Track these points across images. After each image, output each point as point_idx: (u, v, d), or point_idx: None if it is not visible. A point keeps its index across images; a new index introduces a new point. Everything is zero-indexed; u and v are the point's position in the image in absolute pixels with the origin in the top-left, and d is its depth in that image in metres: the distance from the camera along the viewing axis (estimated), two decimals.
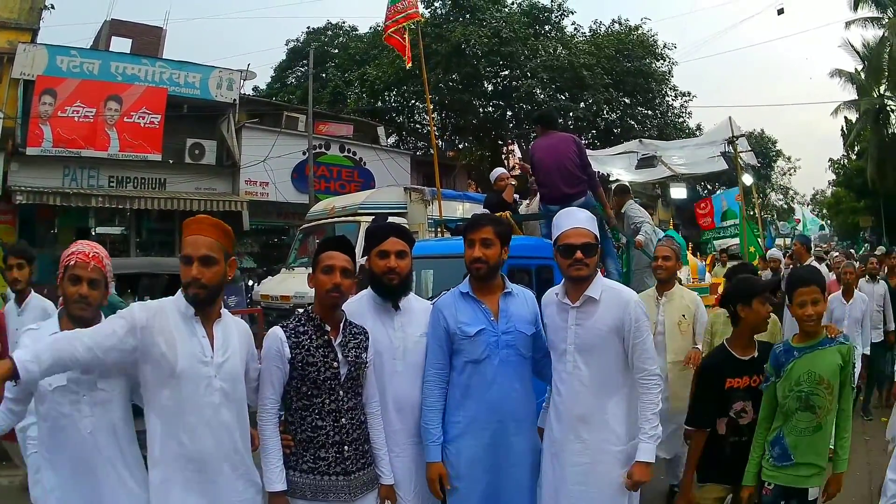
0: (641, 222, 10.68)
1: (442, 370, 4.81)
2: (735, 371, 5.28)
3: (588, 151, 11.16)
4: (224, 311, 4.38)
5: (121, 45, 30.69)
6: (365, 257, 5.03)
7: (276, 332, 4.47)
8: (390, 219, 12.14)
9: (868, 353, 11.51)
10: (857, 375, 10.53)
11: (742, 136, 18.29)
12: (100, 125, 26.16)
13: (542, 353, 5.03)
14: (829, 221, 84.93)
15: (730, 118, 17.39)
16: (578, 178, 9.31)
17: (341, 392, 4.44)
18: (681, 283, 10.46)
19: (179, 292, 4.23)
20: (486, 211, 10.08)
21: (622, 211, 11.15)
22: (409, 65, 13.96)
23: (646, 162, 19.08)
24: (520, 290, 5.09)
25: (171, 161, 28.28)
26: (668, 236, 9.12)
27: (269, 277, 20.42)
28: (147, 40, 31.61)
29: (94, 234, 26.17)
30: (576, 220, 4.88)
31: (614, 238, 10.21)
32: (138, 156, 27.00)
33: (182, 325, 4.11)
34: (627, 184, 13.87)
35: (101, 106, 26.16)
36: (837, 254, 21.04)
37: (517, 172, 12.10)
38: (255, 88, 47.70)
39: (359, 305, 4.90)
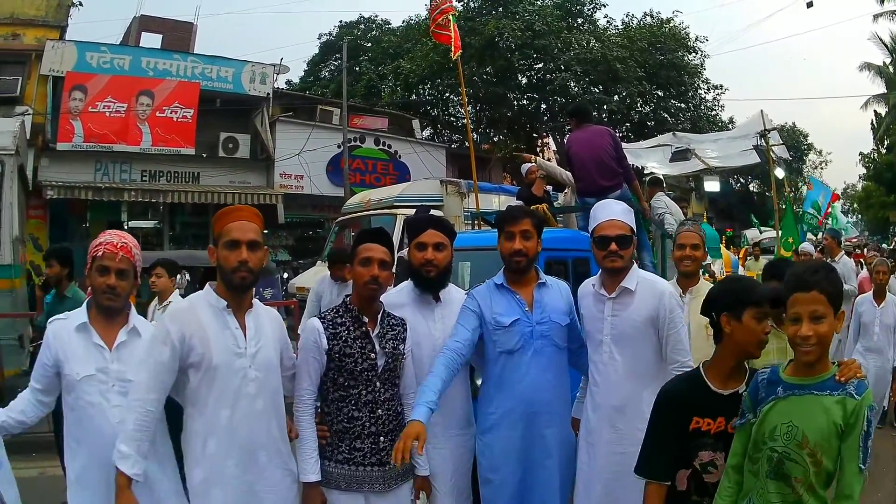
0: (663, 213, 10.51)
1: (455, 351, 4.55)
2: (706, 408, 3.74)
3: (622, 144, 10.75)
4: (255, 301, 4.34)
5: (151, 40, 30.64)
6: (405, 249, 5.12)
7: (314, 323, 4.44)
8: (432, 211, 11.62)
9: None
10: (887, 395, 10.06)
11: (774, 129, 17.85)
12: (131, 120, 26.18)
13: (578, 343, 5.00)
14: (859, 216, 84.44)
15: (761, 111, 16.88)
16: (614, 170, 9.18)
17: (378, 383, 4.40)
18: (714, 278, 9.65)
19: (208, 286, 4.21)
20: (521, 203, 9.90)
21: (650, 203, 10.94)
22: (458, 53, 13.33)
23: (679, 155, 18.70)
24: (554, 281, 5.08)
25: (204, 155, 28.23)
26: (695, 221, 7.67)
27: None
28: (177, 35, 31.60)
29: (126, 227, 26.10)
30: (612, 212, 4.89)
31: (645, 230, 9.85)
32: (171, 150, 27.00)
33: (214, 320, 4.05)
34: (660, 177, 13.67)
35: (132, 101, 26.21)
36: (873, 253, 18.53)
37: (541, 175, 11.27)
38: (289, 82, 48.04)
39: (399, 297, 4.91)
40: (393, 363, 4.46)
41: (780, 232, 17.04)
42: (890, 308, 9.65)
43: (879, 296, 9.79)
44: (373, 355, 4.36)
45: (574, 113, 10.38)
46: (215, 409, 3.97)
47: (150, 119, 26.49)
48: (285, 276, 23.03)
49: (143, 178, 26.82)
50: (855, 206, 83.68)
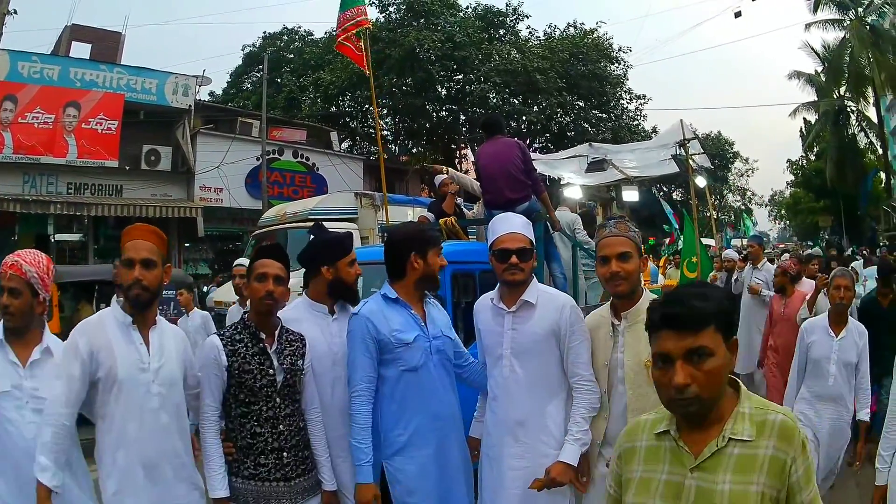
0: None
1: (372, 383, 4.82)
2: None
3: (538, 155, 11.84)
4: (160, 317, 4.59)
5: (81, 50, 31.21)
6: (325, 266, 5.09)
7: (213, 340, 4.65)
8: (325, 224, 12.81)
9: (867, 418, 7.10)
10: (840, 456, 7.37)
11: (694, 138, 18.28)
12: (59, 132, 27.00)
13: (462, 358, 5.22)
14: (787, 222, 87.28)
15: (681, 121, 17.24)
16: (523, 183, 9.31)
17: (278, 399, 4.59)
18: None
19: (114, 302, 4.63)
20: (431, 215, 10.66)
21: None
22: (368, 73, 13.99)
23: (596, 165, 19.23)
24: (430, 295, 5.22)
25: (127, 167, 29.13)
26: (620, 219, 4.94)
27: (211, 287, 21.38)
28: (106, 45, 32.08)
29: (53, 240, 27.41)
30: (512, 225, 4.97)
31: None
32: (95, 162, 27.83)
33: (119, 335, 4.31)
34: (568, 196, 15.02)
35: (59, 112, 27.01)
36: (786, 257, 17.08)
37: (453, 189, 11.16)
38: (212, 94, 48.65)
39: (295, 313, 5.10)
40: (292, 379, 4.67)
41: (686, 249, 16.83)
42: (851, 339, 7.21)
43: (838, 322, 7.29)
44: (271, 371, 4.57)
45: (484, 126, 10.64)
46: (122, 423, 4.20)
47: (76, 131, 27.23)
48: (205, 289, 23.95)
49: (69, 191, 27.47)
50: (783, 212, 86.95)
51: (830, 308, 7.38)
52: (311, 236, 5.37)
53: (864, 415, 7.07)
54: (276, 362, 4.59)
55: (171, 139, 31.46)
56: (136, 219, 25.52)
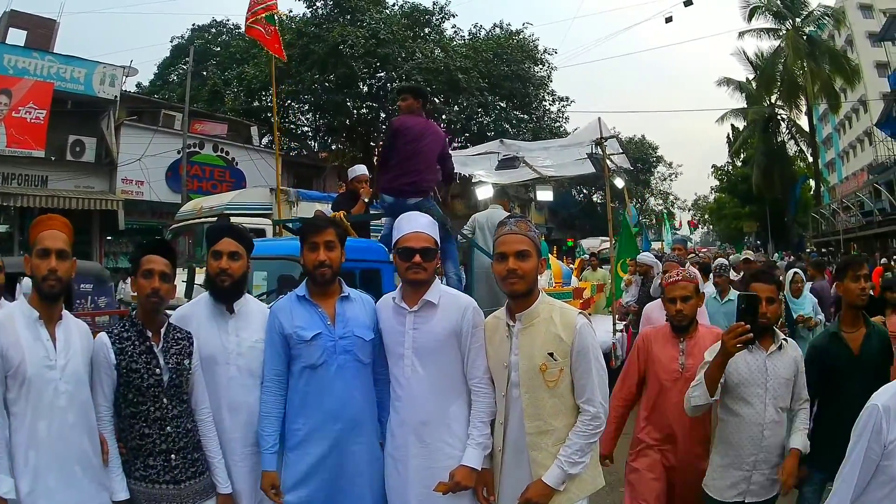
0: (470, 230, 11.08)
1: (279, 376, 4.94)
2: None
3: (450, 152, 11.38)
4: (65, 312, 4.57)
5: (17, 36, 32.34)
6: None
7: (102, 338, 4.61)
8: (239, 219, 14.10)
9: None
10: None
11: (612, 137, 18.09)
12: None
13: (381, 368, 5.14)
14: (710, 227, 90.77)
15: (599, 119, 16.98)
16: (433, 179, 9.62)
17: (165, 399, 4.57)
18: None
19: (22, 297, 4.53)
20: (329, 210, 10.56)
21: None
22: (283, 58, 14.53)
23: (507, 163, 19.19)
24: (358, 294, 5.23)
25: (52, 158, 30.54)
26: (521, 218, 4.95)
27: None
28: (41, 33, 33.28)
29: None
30: (418, 224, 5.05)
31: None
32: (23, 152, 29.09)
33: (27, 331, 4.28)
34: (489, 195, 15.97)
35: None
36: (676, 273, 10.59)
37: (365, 196, 10.95)
38: (139, 85, 49.92)
39: (193, 309, 5.13)
40: (178, 378, 4.64)
41: (614, 251, 16.87)
42: None
43: None
44: (158, 370, 4.54)
45: (419, 93, 10.04)
46: (33, 422, 4.17)
47: (6, 119, 28.33)
48: (122, 284, 24.02)
49: None
50: (706, 216, 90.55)
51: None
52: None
53: None
54: (162, 361, 4.60)
55: (96, 130, 32.87)
56: (60, 211, 26.57)
